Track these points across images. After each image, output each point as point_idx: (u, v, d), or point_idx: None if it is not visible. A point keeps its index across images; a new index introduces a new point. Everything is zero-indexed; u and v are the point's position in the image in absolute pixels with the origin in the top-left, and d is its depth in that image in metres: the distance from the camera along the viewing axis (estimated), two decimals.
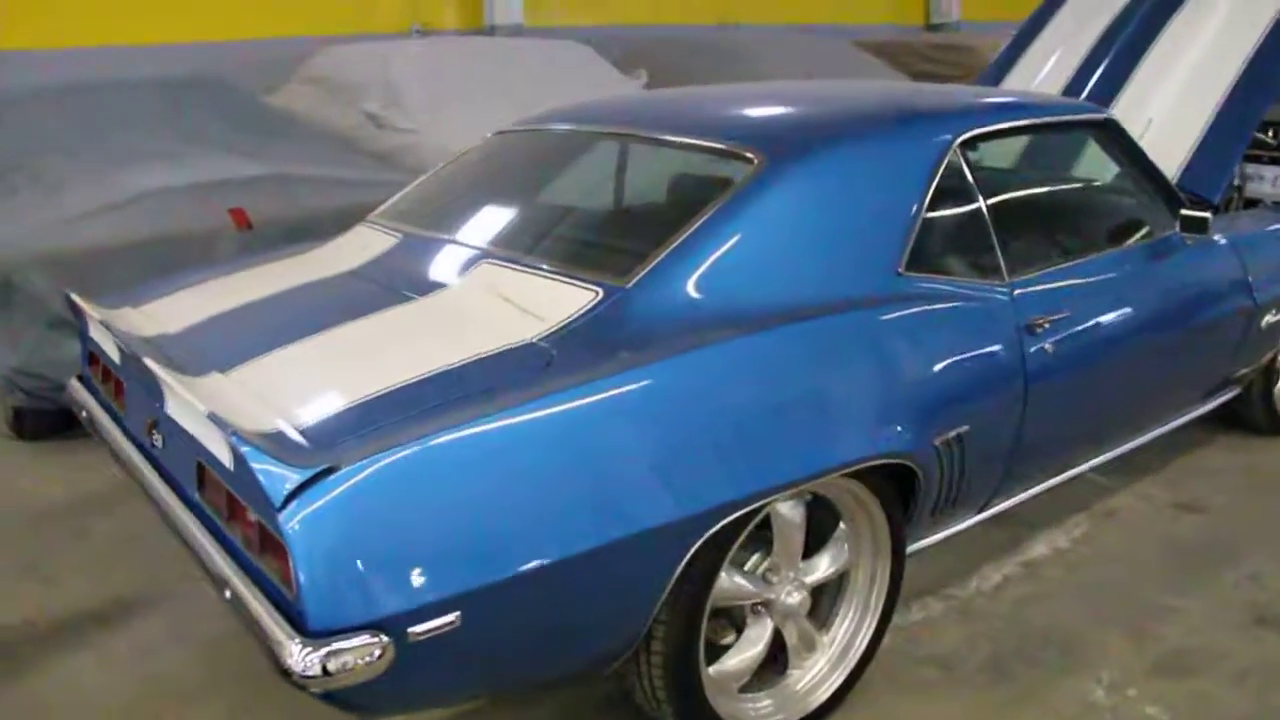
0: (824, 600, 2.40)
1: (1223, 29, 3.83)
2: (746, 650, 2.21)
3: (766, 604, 2.22)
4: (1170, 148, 3.69)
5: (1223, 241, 3.21)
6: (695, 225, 2.21)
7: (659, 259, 2.15)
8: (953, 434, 2.33)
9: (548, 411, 1.79)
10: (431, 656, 1.67)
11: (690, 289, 2.14)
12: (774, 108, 2.74)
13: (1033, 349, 2.51)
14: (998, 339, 2.45)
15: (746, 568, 2.20)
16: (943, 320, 2.34)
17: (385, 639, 1.59)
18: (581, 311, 2.08)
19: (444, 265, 2.44)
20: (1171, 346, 3.00)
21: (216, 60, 6.63)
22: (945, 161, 2.47)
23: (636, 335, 2.03)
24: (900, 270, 2.33)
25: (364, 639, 1.58)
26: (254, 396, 1.92)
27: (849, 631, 2.38)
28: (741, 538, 2.05)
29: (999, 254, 2.55)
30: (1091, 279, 2.77)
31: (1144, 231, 3.05)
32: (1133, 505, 3.36)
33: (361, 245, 2.72)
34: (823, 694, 2.31)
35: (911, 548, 2.52)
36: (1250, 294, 3.24)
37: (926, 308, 2.32)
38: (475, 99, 5.66)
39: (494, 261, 2.35)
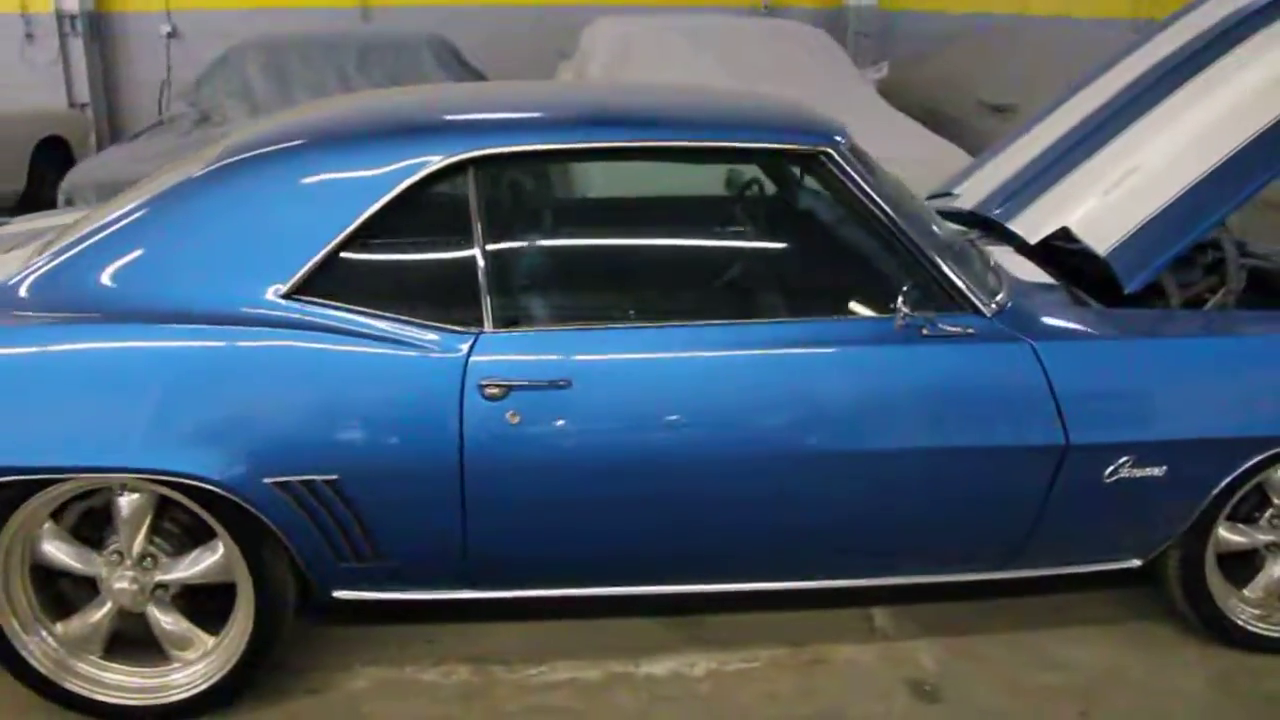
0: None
1: (1247, 97, 2.69)
2: (86, 616, 2.28)
3: (97, 580, 2.25)
4: (1128, 210, 2.67)
5: (1017, 344, 2.29)
6: (113, 216, 2.27)
7: (69, 242, 2.26)
8: (309, 479, 2.12)
9: None
10: None
11: (91, 276, 2.20)
12: (330, 113, 2.56)
13: (479, 415, 2.13)
14: (415, 392, 2.13)
15: (105, 545, 2.26)
16: (310, 355, 2.11)
17: None
18: (15, 276, 2.25)
19: None
20: (826, 469, 2.26)
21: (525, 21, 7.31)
22: (406, 185, 2.17)
23: (14, 307, 2.19)
24: (283, 294, 2.14)
25: None
26: None
27: (215, 659, 2.30)
28: (25, 506, 2.15)
29: (480, 298, 2.18)
30: (654, 353, 2.21)
31: (828, 304, 2.32)
32: (863, 661, 2.57)
33: None
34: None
35: (350, 594, 2.33)
36: (1058, 426, 2.27)
37: (286, 338, 2.11)
38: (666, 75, 5.63)
39: None
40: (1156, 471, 2.36)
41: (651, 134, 2.30)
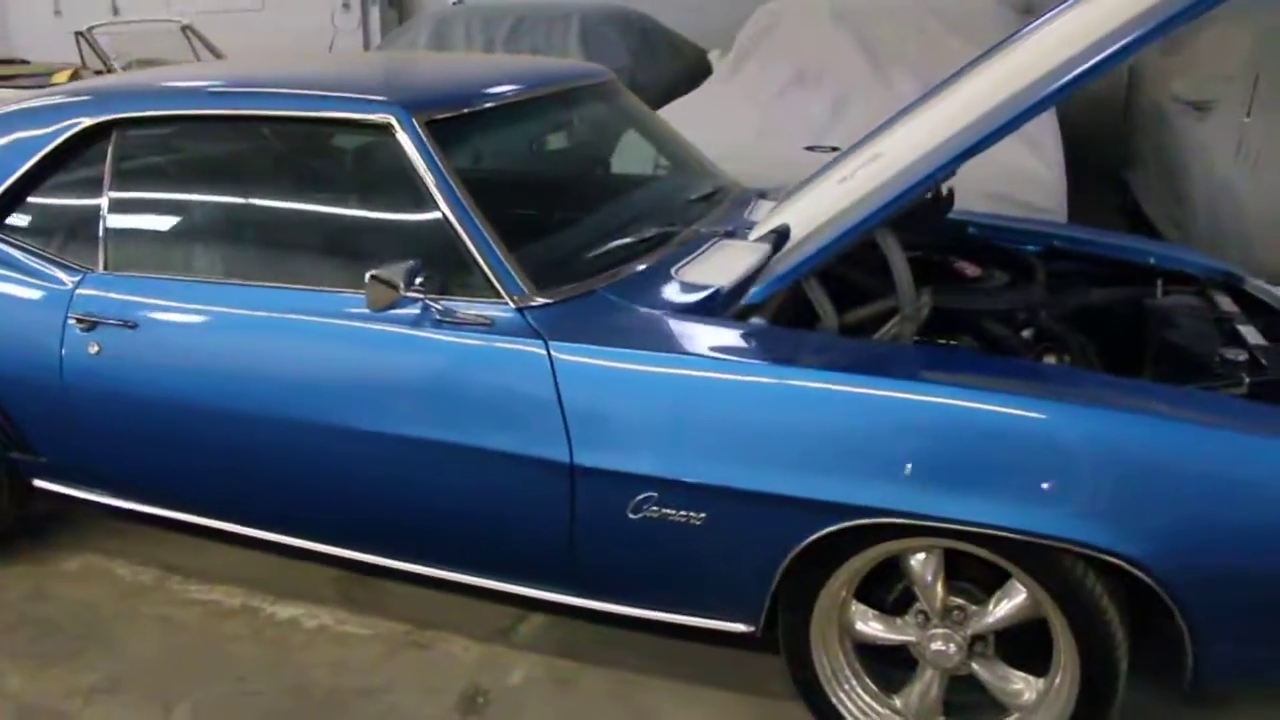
0: None
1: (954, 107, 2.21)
2: None
3: None
4: (816, 214, 2.31)
5: (528, 343, 2.10)
6: None
7: None
8: None
9: None
10: None
11: None
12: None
13: (73, 343, 2.48)
14: (34, 316, 2.53)
15: None
16: None
17: None
18: None
19: None
20: (322, 440, 2.27)
21: None
22: (61, 140, 2.55)
23: None
24: None
25: None
26: None
27: None
28: None
29: (97, 242, 2.51)
30: (196, 305, 2.39)
31: (352, 275, 2.24)
32: (460, 658, 2.49)
33: None
34: None
35: (45, 485, 2.75)
36: (564, 441, 2.07)
37: None
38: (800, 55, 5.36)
39: None
40: (693, 518, 2.04)
41: (247, 103, 2.45)
